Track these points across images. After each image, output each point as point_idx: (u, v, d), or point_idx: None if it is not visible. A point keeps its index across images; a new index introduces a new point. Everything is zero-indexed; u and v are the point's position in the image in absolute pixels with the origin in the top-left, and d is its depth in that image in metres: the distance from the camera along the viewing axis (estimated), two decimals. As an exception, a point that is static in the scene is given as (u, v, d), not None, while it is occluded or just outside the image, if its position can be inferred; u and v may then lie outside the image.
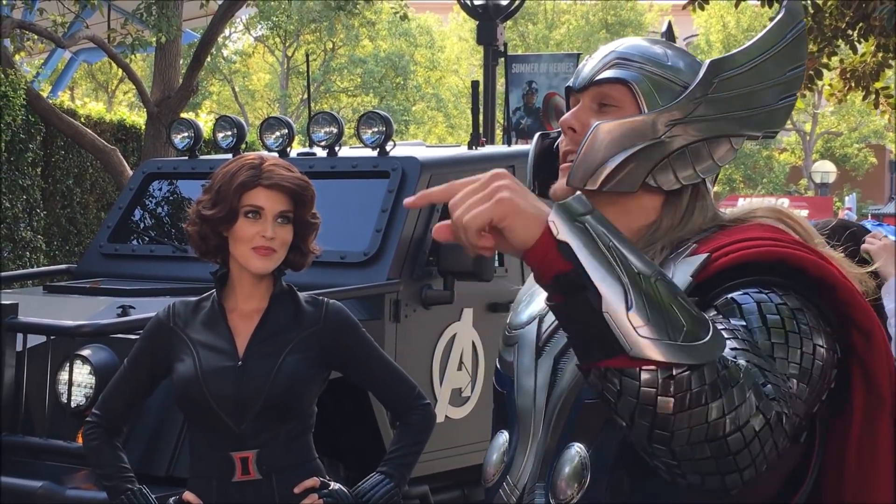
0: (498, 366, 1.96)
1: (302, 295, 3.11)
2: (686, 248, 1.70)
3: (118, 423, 3.14)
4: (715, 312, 1.60)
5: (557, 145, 1.88)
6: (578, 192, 1.48)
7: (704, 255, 1.65)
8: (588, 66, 1.85)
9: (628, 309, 1.39)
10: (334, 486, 3.05)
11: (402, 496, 3.15)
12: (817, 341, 1.58)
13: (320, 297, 3.14)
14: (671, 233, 1.75)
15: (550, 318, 1.82)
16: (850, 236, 3.37)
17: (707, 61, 1.80)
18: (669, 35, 2.01)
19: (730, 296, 1.61)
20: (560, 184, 1.81)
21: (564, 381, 1.74)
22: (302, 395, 3.01)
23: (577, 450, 1.69)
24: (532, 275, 1.99)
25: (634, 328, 1.39)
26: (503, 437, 1.88)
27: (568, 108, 1.87)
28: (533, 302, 1.92)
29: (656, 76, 1.79)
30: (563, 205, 1.43)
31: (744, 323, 1.57)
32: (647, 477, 1.56)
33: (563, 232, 1.41)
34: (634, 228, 1.78)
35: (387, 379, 3.18)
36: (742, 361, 1.48)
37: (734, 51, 1.81)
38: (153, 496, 3.08)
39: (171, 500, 3.02)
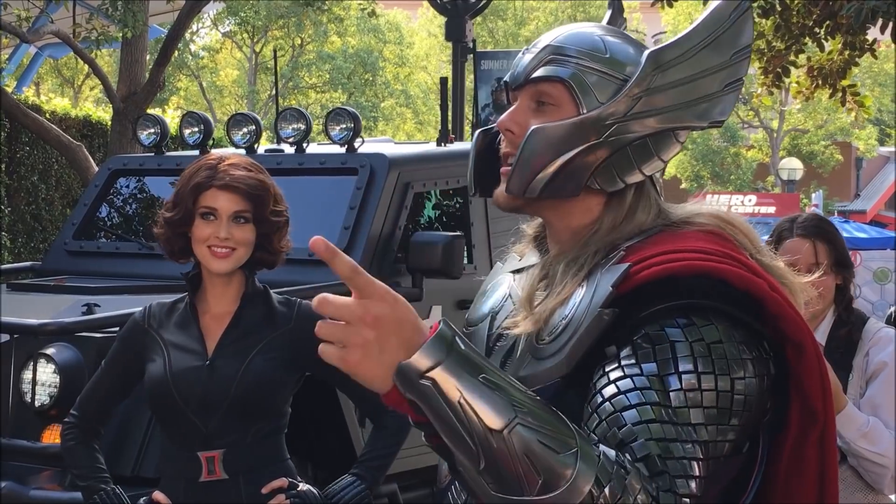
0: None
1: (276, 295, 3.10)
2: (615, 255, 1.65)
3: (95, 425, 3.14)
4: (630, 351, 1.55)
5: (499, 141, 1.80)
6: (439, 331, 1.41)
7: (626, 265, 1.59)
8: (524, 60, 1.74)
9: (478, 468, 1.39)
10: (303, 486, 3.03)
11: (373, 499, 3.12)
12: (736, 374, 1.54)
13: (293, 298, 3.12)
14: (612, 232, 1.69)
15: (502, 315, 1.80)
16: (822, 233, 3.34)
17: (646, 52, 1.70)
18: (618, 6, 1.90)
19: (645, 331, 1.56)
20: (500, 190, 1.74)
21: None
22: (271, 395, 3.00)
23: None
24: (496, 267, 1.96)
25: (487, 485, 1.40)
26: None
27: (507, 103, 1.79)
28: (492, 296, 1.88)
29: (594, 71, 1.69)
30: (406, 365, 1.38)
31: (656, 371, 1.52)
32: None
33: (408, 393, 1.39)
34: (576, 227, 1.72)
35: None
36: (638, 448, 1.46)
37: (675, 38, 1.70)
38: (126, 496, 3.07)
39: (142, 500, 3.01)
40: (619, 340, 1.57)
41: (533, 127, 1.68)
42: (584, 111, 1.68)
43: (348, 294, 5.31)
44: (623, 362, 1.55)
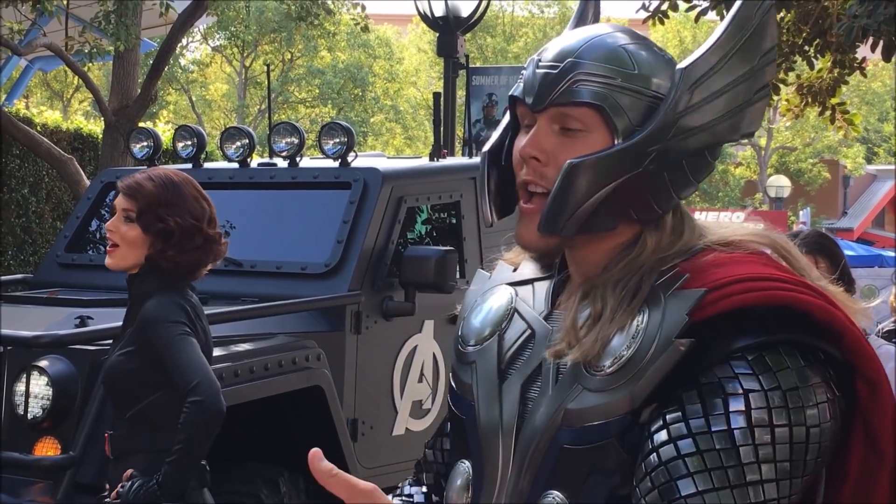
0: (453, 384, 1.71)
1: (164, 297, 3.36)
2: (670, 271, 1.50)
3: None
4: (695, 398, 1.43)
5: (505, 154, 1.63)
6: None
7: (700, 291, 1.45)
8: (543, 77, 1.55)
9: None
10: (136, 481, 3.23)
11: (170, 494, 3.25)
12: (812, 423, 1.42)
13: (160, 297, 3.35)
14: (657, 253, 1.54)
15: (513, 336, 1.63)
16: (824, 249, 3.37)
17: (678, 70, 1.53)
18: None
19: (715, 376, 1.43)
20: (528, 229, 1.56)
21: (537, 419, 1.53)
22: (129, 385, 3.33)
23: (556, 499, 1.50)
24: (480, 275, 1.78)
25: None
26: (464, 466, 1.67)
27: (514, 117, 1.61)
28: (490, 311, 1.69)
29: (624, 90, 1.52)
30: None
31: (724, 426, 1.40)
32: None
33: None
34: (609, 249, 1.56)
35: (169, 373, 3.31)
36: None
37: (703, 48, 1.55)
38: None
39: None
40: (682, 380, 1.44)
41: (570, 162, 1.51)
42: (619, 137, 1.51)
43: (342, 311, 5.31)
44: (689, 415, 1.42)
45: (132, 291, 3.42)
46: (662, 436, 1.42)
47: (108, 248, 3.40)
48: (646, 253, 1.53)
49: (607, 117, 1.51)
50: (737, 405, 1.40)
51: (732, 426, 1.40)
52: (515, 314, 1.66)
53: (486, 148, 1.65)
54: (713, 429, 1.40)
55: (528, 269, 1.72)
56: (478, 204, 6.25)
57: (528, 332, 1.62)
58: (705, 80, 1.53)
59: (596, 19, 1.72)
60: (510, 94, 1.61)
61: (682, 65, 1.54)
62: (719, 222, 1.63)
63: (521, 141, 1.57)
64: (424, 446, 1.89)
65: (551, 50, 1.58)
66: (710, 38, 1.55)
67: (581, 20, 1.70)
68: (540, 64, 1.56)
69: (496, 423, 1.58)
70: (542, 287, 1.67)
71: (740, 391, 1.41)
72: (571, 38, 1.58)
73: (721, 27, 1.55)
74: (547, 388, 1.54)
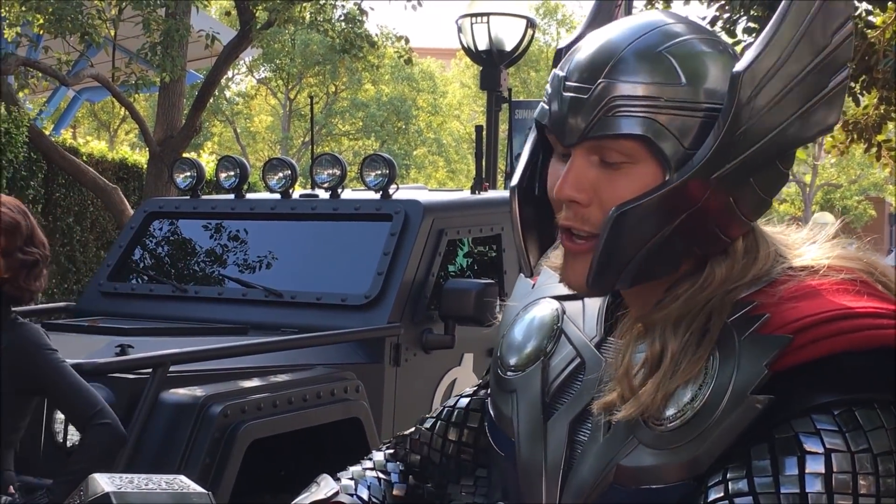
0: (492, 414, 1.51)
1: (22, 324, 3.32)
2: (745, 305, 1.28)
3: None
4: (766, 454, 1.20)
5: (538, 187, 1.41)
6: None
7: (784, 338, 1.21)
8: (568, 103, 1.30)
9: None
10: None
11: None
12: None
13: (25, 324, 3.33)
14: (726, 284, 1.30)
15: (560, 364, 1.43)
16: None
17: (734, 74, 1.25)
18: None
19: (793, 430, 1.19)
20: (577, 274, 1.33)
21: (585, 471, 1.32)
22: None
23: None
24: (522, 282, 1.60)
25: None
26: None
27: (542, 136, 1.39)
28: (534, 321, 1.50)
29: (673, 111, 1.26)
30: None
31: (795, 490, 1.16)
32: None
33: None
34: (669, 280, 1.34)
35: (67, 397, 3.30)
36: None
37: (761, 42, 1.27)
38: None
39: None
40: (752, 435, 1.22)
41: (616, 209, 1.28)
42: (671, 169, 1.27)
43: (381, 343, 5.25)
44: (754, 472, 1.19)
45: None
46: (718, 491, 1.20)
47: None
48: (713, 285, 1.30)
49: (653, 147, 1.27)
50: (815, 466, 1.16)
51: (807, 490, 1.16)
52: (562, 336, 1.46)
53: (513, 182, 1.41)
54: (783, 490, 1.16)
55: None
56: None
57: (577, 360, 1.42)
58: (768, 81, 1.26)
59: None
60: (534, 117, 1.38)
61: (737, 67, 1.26)
62: (800, 235, 1.41)
63: (557, 171, 1.34)
64: (416, 423, 1.75)
65: (579, 62, 1.32)
66: (769, 25, 1.28)
67: (595, 22, 1.44)
68: (567, 84, 1.31)
69: (539, 465, 1.39)
70: (594, 305, 1.46)
71: (821, 450, 1.17)
72: (601, 41, 1.32)
73: (780, 9, 1.28)
74: (598, 435, 1.34)
